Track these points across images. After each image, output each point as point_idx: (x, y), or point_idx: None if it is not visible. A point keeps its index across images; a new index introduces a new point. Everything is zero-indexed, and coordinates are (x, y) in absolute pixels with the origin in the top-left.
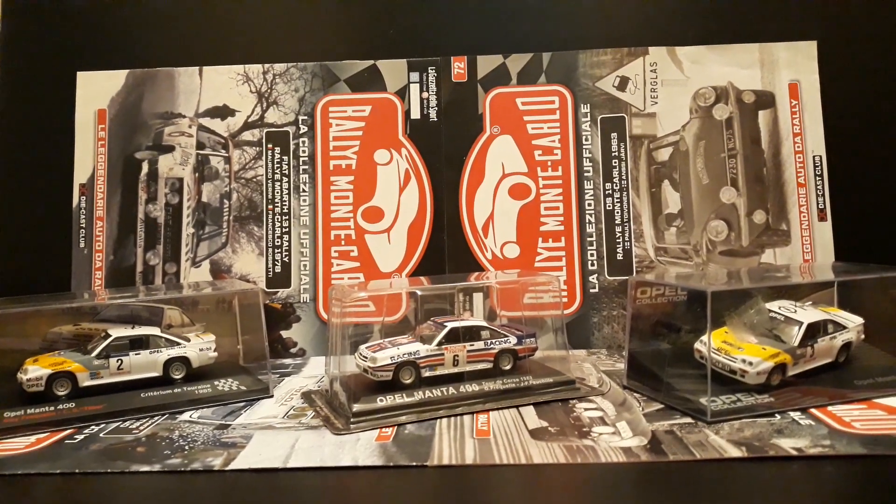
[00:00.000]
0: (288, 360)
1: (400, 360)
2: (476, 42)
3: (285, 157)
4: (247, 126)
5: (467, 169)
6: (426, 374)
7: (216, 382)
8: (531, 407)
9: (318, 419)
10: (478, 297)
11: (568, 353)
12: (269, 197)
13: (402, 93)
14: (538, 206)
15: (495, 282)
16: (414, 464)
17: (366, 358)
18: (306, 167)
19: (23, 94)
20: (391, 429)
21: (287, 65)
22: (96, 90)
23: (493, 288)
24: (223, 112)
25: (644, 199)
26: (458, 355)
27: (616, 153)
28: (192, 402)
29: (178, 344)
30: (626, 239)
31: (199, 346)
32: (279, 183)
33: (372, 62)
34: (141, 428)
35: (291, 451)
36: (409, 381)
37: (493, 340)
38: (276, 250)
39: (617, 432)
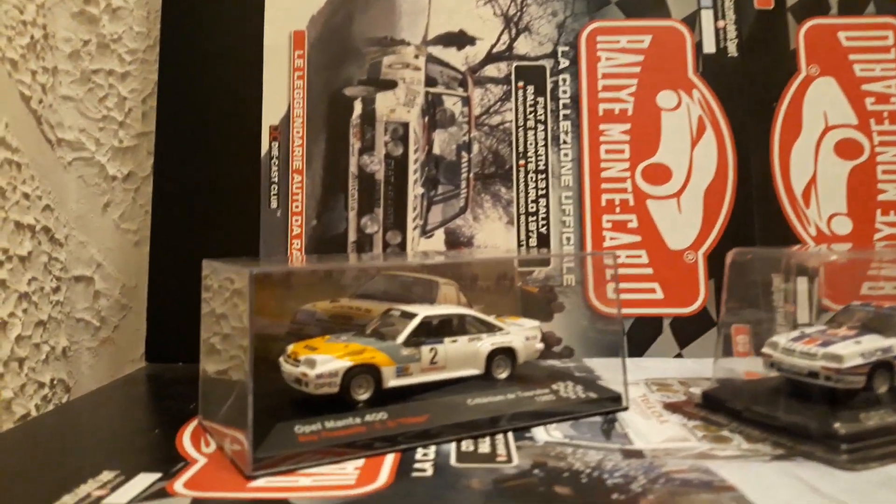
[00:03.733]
0: (554, 361)
1: (873, 359)
2: None
3: (540, 99)
4: (490, 58)
5: (779, 118)
6: None
7: (554, 387)
8: None
9: (760, 444)
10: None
11: None
12: (521, 150)
13: (692, 20)
14: (874, 169)
15: None
16: None
17: (813, 355)
18: (568, 112)
19: (196, 12)
20: None
21: None
22: (291, 7)
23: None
24: (459, 40)
25: None
26: None
27: None
28: (532, 414)
29: (501, 330)
30: None
31: (524, 335)
32: (533, 132)
33: None
34: (500, 453)
35: (825, 498)
36: (882, 390)
37: None
38: (531, 218)
39: None
